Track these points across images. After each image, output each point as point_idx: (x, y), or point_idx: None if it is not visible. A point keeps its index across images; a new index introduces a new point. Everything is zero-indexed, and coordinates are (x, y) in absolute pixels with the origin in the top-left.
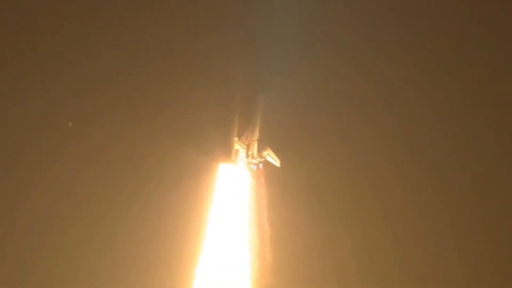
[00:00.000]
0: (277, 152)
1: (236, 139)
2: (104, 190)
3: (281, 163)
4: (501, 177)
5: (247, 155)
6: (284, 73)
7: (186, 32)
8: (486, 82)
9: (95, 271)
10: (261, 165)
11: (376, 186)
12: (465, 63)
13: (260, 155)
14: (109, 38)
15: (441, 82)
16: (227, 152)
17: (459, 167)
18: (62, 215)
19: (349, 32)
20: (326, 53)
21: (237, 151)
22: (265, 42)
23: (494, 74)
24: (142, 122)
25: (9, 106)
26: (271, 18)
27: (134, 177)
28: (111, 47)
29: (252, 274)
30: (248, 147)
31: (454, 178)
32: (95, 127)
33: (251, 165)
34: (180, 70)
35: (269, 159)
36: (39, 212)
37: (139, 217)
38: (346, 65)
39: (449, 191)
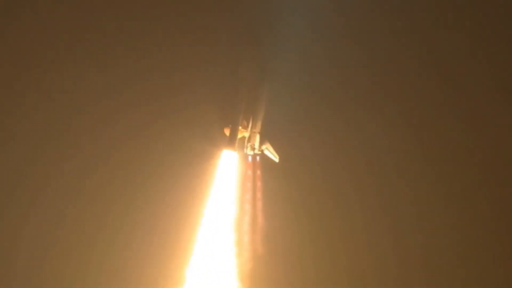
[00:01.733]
0: (277, 146)
1: (240, 128)
2: (107, 177)
3: (280, 158)
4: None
5: (246, 146)
6: (290, 67)
7: (192, 22)
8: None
9: (102, 254)
10: (258, 157)
11: (375, 185)
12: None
13: (259, 148)
14: (112, 31)
15: (442, 83)
16: (229, 140)
17: (463, 167)
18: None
19: (357, 28)
20: (333, 50)
21: (240, 139)
22: (273, 35)
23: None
24: (145, 109)
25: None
26: (280, 11)
27: (137, 165)
28: (115, 40)
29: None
30: (249, 139)
31: (458, 179)
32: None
33: (249, 157)
34: (186, 59)
35: (267, 153)
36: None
37: (141, 204)
38: (352, 62)
39: (453, 192)
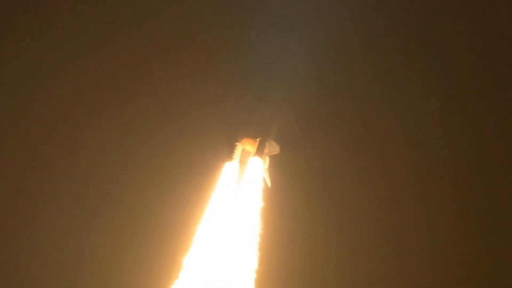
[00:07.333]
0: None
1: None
2: (108, 187)
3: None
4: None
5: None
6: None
7: (193, 29)
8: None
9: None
10: None
11: (378, 189)
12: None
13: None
14: (113, 37)
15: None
16: (257, 150)
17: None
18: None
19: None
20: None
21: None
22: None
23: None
24: (149, 119)
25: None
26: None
27: (138, 175)
28: (114, 46)
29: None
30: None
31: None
32: (100, 124)
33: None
34: (190, 67)
35: (264, 174)
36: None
37: (142, 214)
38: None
39: (456, 187)
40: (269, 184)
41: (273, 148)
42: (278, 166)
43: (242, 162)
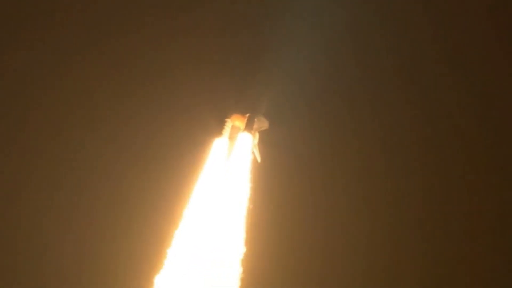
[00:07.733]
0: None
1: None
2: (97, 163)
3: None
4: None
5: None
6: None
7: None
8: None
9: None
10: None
11: (370, 163)
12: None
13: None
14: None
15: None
16: (246, 125)
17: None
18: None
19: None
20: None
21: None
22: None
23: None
24: (137, 95)
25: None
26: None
27: (127, 151)
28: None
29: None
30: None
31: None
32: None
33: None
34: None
35: (254, 150)
36: None
37: (130, 190)
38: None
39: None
40: (258, 160)
41: (262, 123)
42: (268, 142)
43: (232, 138)
